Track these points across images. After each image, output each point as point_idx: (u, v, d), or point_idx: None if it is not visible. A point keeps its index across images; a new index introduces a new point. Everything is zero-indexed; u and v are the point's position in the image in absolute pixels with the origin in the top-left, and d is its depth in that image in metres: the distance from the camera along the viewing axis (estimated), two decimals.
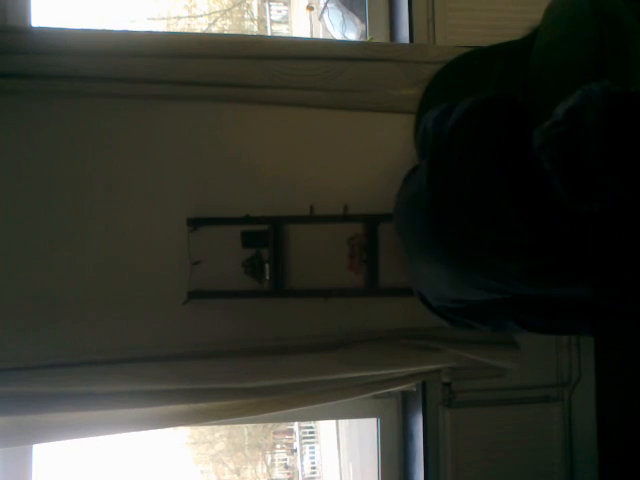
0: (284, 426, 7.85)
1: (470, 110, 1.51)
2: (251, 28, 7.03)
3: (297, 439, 8.03)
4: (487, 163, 1.41)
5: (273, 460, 8.38)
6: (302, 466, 8.05)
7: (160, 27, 6.45)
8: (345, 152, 2.32)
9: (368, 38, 2.61)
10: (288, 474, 8.43)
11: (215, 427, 6.30)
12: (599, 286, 1.38)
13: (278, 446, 8.32)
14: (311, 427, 7.96)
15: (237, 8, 7.02)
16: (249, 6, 7.15)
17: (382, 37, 2.60)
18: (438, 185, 1.51)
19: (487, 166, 1.41)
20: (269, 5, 7.17)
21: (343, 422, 5.70)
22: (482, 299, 1.59)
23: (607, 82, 1.21)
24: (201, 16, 6.84)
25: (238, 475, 8.22)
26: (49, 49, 2.14)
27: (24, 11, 2.35)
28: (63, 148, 2.25)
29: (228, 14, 6.95)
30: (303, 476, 8.06)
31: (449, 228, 1.49)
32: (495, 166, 1.39)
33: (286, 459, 8.32)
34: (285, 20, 7.35)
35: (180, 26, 6.63)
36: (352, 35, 3.81)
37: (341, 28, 3.97)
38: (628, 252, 1.32)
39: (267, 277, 2.24)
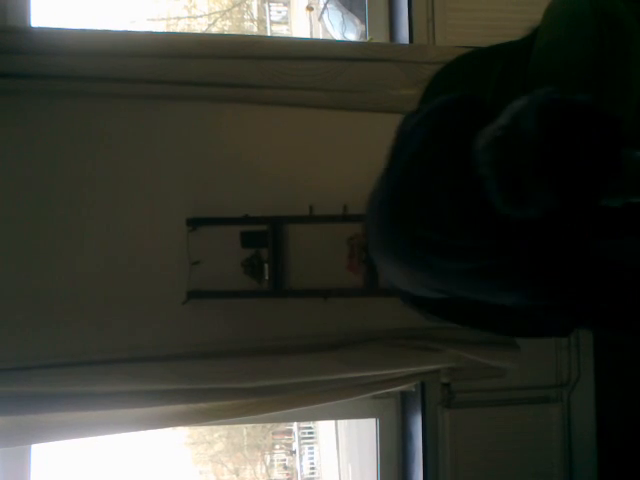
0: (283, 426, 7.85)
1: (428, 112, 1.50)
2: (251, 29, 7.02)
3: (296, 440, 8.02)
4: (433, 164, 1.40)
5: (272, 460, 8.37)
6: (301, 467, 8.04)
7: (160, 28, 6.45)
8: (345, 152, 2.32)
9: (368, 38, 2.61)
10: (287, 474, 8.43)
11: (214, 427, 6.29)
12: (533, 296, 1.36)
13: (277, 446, 8.31)
14: (310, 428, 7.96)
15: (237, 9, 7.01)
16: (249, 7, 7.14)
17: (382, 37, 2.60)
18: (390, 184, 1.51)
19: (433, 166, 1.39)
20: (269, 6, 7.16)
21: (342, 422, 5.70)
22: (435, 297, 1.59)
23: (553, 89, 1.19)
24: (201, 17, 6.83)
25: (237, 475, 8.21)
26: (49, 49, 2.14)
27: (24, 11, 2.36)
28: (63, 148, 2.25)
29: (228, 15, 6.95)
30: (302, 477, 8.06)
31: (398, 227, 1.49)
32: (440, 167, 1.38)
33: (285, 459, 8.31)
34: (285, 21, 7.35)
35: (180, 27, 6.62)
36: (352, 36, 3.81)
37: (341, 29, 3.96)
38: (564, 261, 1.30)
39: (266, 277, 2.25)
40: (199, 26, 6.76)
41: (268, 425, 7.18)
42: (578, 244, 1.31)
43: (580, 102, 1.16)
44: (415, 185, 1.42)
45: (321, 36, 4.92)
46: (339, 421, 5.54)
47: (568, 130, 1.13)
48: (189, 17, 6.80)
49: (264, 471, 8.24)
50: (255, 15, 7.25)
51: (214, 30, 6.70)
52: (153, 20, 6.38)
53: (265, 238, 2.23)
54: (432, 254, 1.40)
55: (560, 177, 1.13)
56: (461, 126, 1.36)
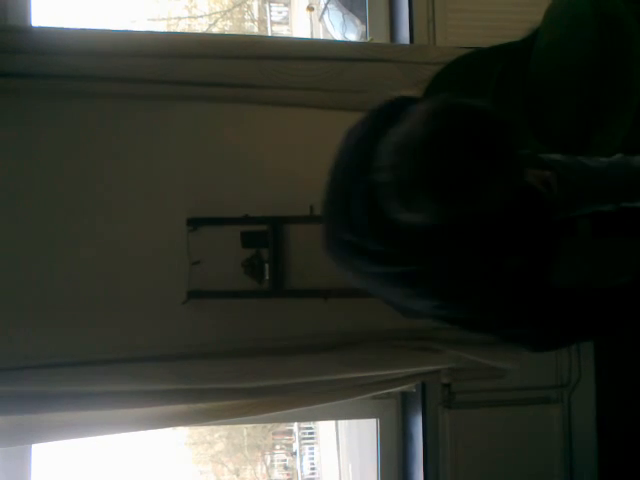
0: (283, 427, 7.85)
1: (366, 115, 1.46)
2: (251, 29, 7.03)
3: (296, 440, 8.03)
4: (351, 167, 1.39)
5: (272, 461, 8.38)
6: (301, 467, 8.05)
7: (160, 28, 6.46)
8: None
9: (368, 39, 2.61)
10: (287, 475, 8.43)
11: (214, 427, 6.30)
12: (439, 307, 1.33)
13: (277, 447, 8.32)
14: (310, 428, 7.96)
15: (237, 9, 7.02)
16: (249, 7, 7.16)
17: (382, 38, 2.60)
18: (328, 186, 1.51)
19: (351, 170, 1.38)
20: (269, 6, 7.18)
21: (342, 423, 5.70)
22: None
23: (453, 94, 1.12)
24: (201, 17, 6.85)
25: (237, 476, 8.23)
26: (49, 49, 2.14)
27: (24, 11, 2.35)
28: (63, 147, 2.25)
29: (228, 15, 6.96)
30: (302, 477, 8.06)
31: (327, 228, 1.51)
32: (356, 171, 1.35)
33: (285, 460, 8.32)
34: (285, 21, 7.36)
35: (181, 27, 6.63)
36: (352, 36, 3.80)
37: (341, 29, 3.96)
38: (462, 272, 1.25)
39: (267, 277, 2.24)
40: (200, 26, 6.78)
41: (268, 425, 7.18)
42: (494, 261, 1.25)
43: (467, 106, 1.10)
44: (337, 189, 1.43)
45: (322, 36, 4.92)
46: (339, 421, 5.55)
47: (452, 136, 1.06)
48: (190, 17, 6.81)
49: (264, 471, 8.25)
50: (256, 15, 7.26)
51: (215, 30, 6.72)
52: (154, 20, 6.40)
53: (265, 238, 2.23)
54: (352, 256, 1.39)
55: (438, 184, 1.08)
56: (382, 129, 1.24)
